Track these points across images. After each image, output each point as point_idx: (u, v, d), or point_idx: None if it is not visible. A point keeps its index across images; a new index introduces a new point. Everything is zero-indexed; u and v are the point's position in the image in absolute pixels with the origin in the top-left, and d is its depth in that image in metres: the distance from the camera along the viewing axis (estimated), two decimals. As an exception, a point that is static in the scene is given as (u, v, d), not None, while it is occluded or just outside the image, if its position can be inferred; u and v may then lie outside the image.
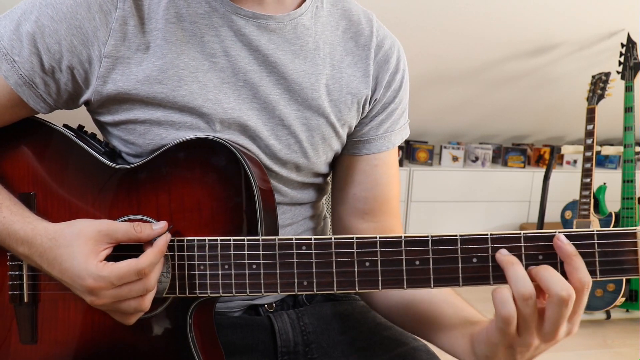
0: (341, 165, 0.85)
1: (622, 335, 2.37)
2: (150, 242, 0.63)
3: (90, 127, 0.76)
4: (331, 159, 0.83)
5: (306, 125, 0.75)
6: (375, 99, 0.80)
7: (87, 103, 0.73)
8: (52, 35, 0.66)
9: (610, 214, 2.40)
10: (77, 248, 0.61)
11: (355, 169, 0.83)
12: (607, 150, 2.64)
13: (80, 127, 0.74)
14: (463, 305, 0.71)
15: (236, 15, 0.70)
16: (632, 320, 2.49)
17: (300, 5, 0.75)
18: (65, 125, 0.72)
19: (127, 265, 0.60)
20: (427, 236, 0.59)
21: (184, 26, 0.69)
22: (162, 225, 0.64)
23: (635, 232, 0.55)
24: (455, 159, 3.31)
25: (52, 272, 0.63)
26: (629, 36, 2.42)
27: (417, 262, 0.59)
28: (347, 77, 0.77)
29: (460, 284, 0.58)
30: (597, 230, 0.56)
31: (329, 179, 0.91)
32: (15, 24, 0.66)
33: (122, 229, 0.62)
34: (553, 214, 2.82)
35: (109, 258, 0.62)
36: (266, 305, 0.82)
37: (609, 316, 2.43)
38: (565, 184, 3.23)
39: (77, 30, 0.66)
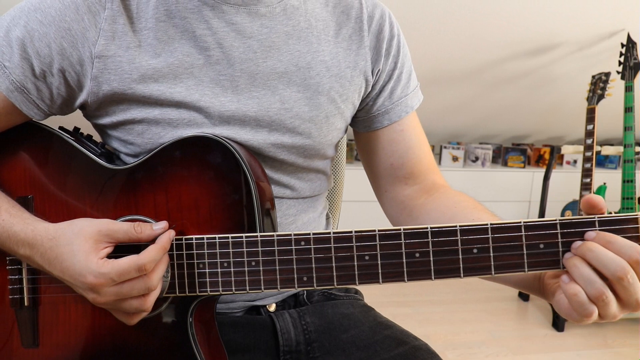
0: (368, 143, 0.86)
1: (622, 335, 2.36)
2: (152, 241, 0.63)
3: (87, 129, 0.76)
4: (337, 140, 0.83)
5: (308, 106, 0.75)
6: (379, 70, 0.81)
7: (83, 107, 0.73)
8: (41, 39, 0.66)
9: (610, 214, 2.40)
10: (78, 246, 0.60)
11: (383, 141, 0.85)
12: (607, 150, 2.64)
13: (76, 129, 0.73)
14: None
15: (226, 5, 0.70)
16: (632, 320, 2.48)
17: None
18: (61, 128, 0.72)
19: (127, 261, 0.59)
20: (427, 227, 0.58)
21: (175, 23, 0.69)
22: (163, 225, 0.63)
23: (637, 218, 0.55)
24: (455, 159, 3.31)
25: (53, 272, 0.63)
26: (629, 36, 2.42)
27: (417, 255, 0.58)
28: (343, 51, 0.78)
29: (462, 274, 0.57)
30: (598, 217, 0.56)
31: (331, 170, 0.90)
32: (4, 30, 0.66)
33: (123, 229, 0.62)
34: (553, 214, 2.82)
35: (110, 257, 0.61)
36: (267, 306, 0.82)
37: (609, 316, 2.42)
38: (565, 184, 3.23)
39: (66, 32, 0.66)
